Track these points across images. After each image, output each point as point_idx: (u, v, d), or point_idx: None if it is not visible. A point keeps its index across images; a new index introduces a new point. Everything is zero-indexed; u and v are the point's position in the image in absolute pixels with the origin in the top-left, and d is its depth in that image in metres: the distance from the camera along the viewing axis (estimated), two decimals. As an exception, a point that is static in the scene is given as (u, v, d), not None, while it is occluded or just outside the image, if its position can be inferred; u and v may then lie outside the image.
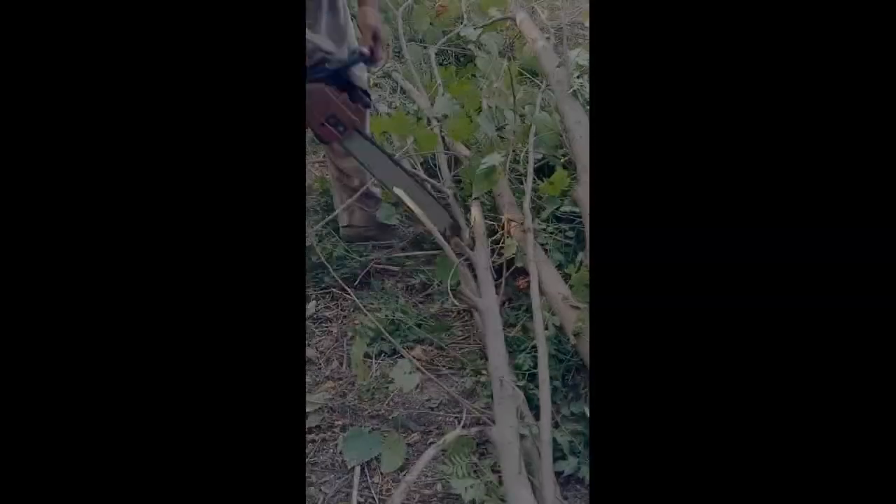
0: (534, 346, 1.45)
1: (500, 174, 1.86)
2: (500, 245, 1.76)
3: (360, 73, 1.48)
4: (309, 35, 1.36)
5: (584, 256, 1.58)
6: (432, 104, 2.29)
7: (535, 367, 1.40)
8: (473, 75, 2.58)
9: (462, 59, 2.89)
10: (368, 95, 1.45)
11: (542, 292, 1.54)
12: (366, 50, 1.41)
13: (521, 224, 1.73)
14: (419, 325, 1.71)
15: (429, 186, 1.83)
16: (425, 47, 2.84)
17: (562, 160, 2.09)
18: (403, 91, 2.58)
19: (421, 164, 2.14)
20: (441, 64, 2.78)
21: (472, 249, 1.72)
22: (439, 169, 2.12)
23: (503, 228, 1.79)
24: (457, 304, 1.63)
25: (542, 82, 2.54)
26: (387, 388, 1.50)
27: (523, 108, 2.28)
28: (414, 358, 1.64)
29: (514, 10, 2.84)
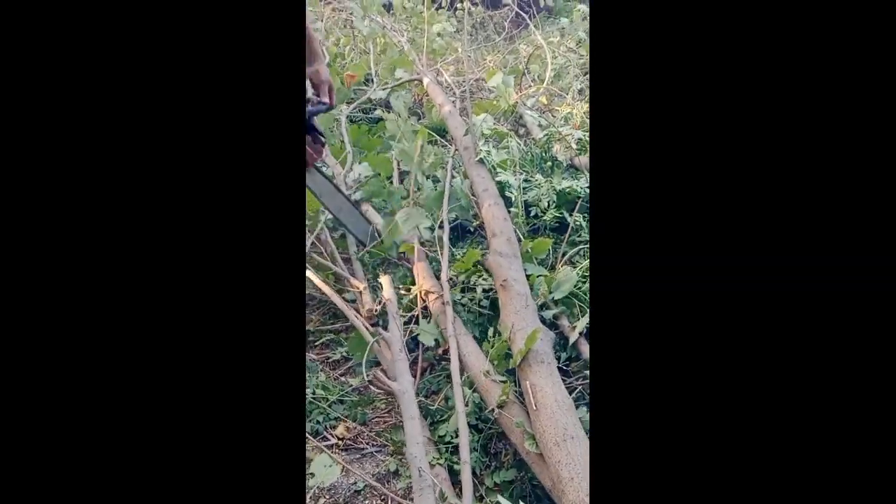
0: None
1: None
2: (415, 317, 1.79)
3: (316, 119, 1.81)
4: None
5: (500, 326, 1.63)
6: (343, 168, 2.33)
7: (457, 437, 1.44)
8: (380, 136, 2.63)
9: (371, 120, 2.94)
10: (323, 135, 1.73)
11: (462, 366, 1.57)
12: (326, 100, 1.73)
13: (439, 296, 1.77)
14: (341, 402, 1.70)
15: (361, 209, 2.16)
16: (336, 110, 2.87)
17: (474, 223, 2.16)
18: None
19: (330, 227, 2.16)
20: (352, 122, 2.82)
21: (385, 329, 1.74)
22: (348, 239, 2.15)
23: (421, 298, 1.82)
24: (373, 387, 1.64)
25: (450, 142, 2.62)
26: (312, 475, 1.48)
27: (435, 171, 2.34)
28: (337, 437, 1.63)
29: (421, 73, 2.93)
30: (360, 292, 1.87)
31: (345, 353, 1.85)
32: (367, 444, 1.61)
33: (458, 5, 4.21)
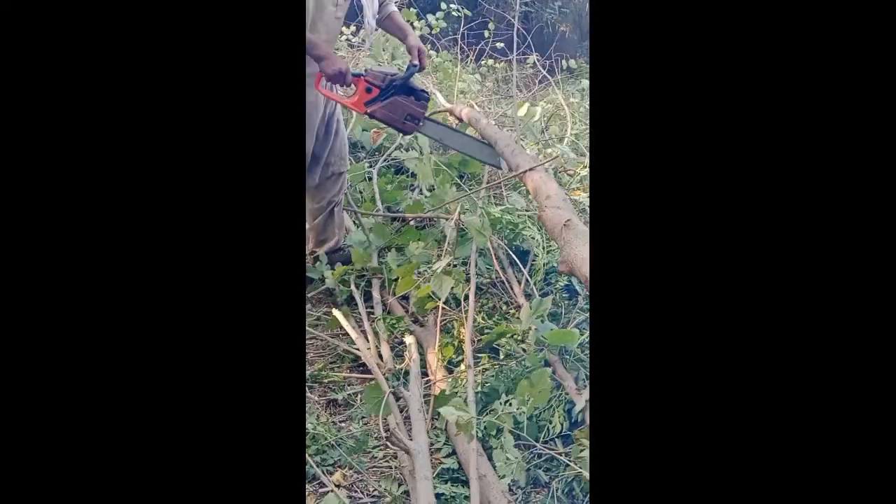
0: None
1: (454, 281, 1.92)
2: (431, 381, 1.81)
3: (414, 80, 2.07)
4: (379, 68, 2.11)
5: (560, 260, 1.61)
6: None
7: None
8: (401, 186, 2.68)
9: (401, 170, 2.97)
10: (427, 93, 2.02)
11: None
12: (416, 62, 2.03)
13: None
14: (338, 445, 1.69)
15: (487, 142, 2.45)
16: (369, 165, 2.92)
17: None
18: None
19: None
20: (381, 175, 2.85)
21: (405, 388, 1.76)
22: (372, 289, 2.17)
23: (436, 360, 1.83)
24: (390, 446, 1.63)
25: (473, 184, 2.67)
26: (306, 521, 1.47)
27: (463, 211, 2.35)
28: (334, 483, 1.62)
29: (449, 107, 3.02)
30: (379, 348, 1.90)
31: (346, 398, 1.86)
32: (363, 492, 1.60)
33: (483, 62, 4.34)
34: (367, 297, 2.20)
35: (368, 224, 2.39)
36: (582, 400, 1.62)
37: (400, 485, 1.58)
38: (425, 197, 2.48)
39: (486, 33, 4.35)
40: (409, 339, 1.90)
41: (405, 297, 2.12)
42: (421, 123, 2.03)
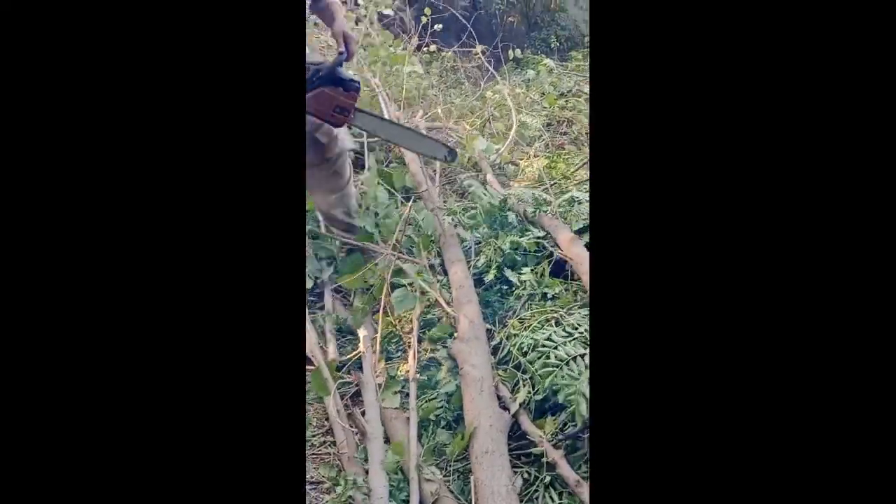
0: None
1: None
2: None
3: (342, 69, 1.94)
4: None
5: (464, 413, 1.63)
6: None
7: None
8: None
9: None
10: (356, 82, 1.88)
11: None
12: (343, 50, 1.87)
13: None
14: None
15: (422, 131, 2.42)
16: None
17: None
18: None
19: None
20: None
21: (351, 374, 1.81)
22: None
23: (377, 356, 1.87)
24: (347, 426, 1.66)
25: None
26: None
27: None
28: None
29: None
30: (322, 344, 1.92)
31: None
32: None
33: (426, 49, 4.32)
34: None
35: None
36: (515, 404, 1.67)
37: (339, 472, 1.62)
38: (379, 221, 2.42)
39: (424, 19, 4.30)
40: (361, 332, 1.94)
41: (347, 294, 2.14)
42: (351, 115, 1.90)
